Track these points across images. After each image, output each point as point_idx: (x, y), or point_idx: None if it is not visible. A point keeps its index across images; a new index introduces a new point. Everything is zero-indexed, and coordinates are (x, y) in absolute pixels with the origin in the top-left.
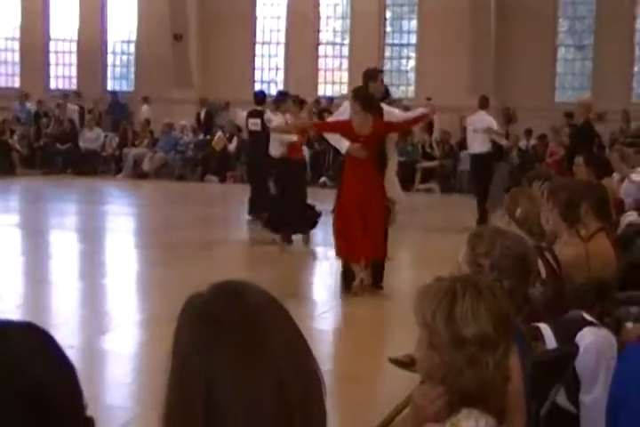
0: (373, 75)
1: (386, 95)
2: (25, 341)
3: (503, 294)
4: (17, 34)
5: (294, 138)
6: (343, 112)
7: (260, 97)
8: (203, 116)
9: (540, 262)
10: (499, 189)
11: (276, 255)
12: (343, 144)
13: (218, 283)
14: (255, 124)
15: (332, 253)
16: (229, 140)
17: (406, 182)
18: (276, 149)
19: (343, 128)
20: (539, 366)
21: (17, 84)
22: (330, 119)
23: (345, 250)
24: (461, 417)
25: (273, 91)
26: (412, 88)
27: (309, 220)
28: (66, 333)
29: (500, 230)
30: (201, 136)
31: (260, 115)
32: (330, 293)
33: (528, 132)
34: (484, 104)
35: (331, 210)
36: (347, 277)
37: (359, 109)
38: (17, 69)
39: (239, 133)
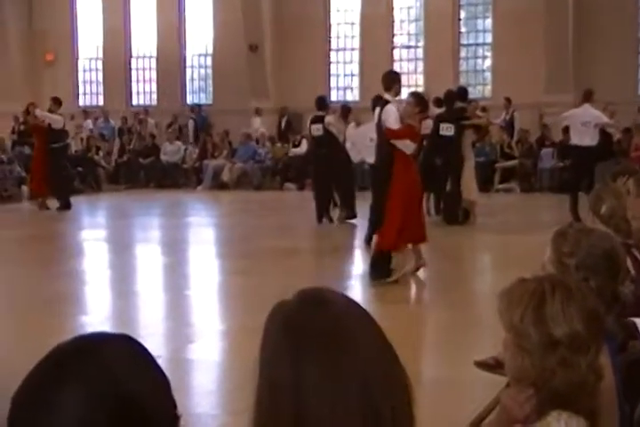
0: (398, 77)
1: (464, 96)
2: (122, 353)
3: (592, 293)
4: (100, 54)
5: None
6: (397, 118)
7: (322, 102)
8: (284, 124)
9: (628, 260)
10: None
11: (357, 262)
12: (410, 146)
13: (303, 290)
14: (317, 129)
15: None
16: (298, 144)
17: (485, 183)
18: (368, 155)
19: (412, 133)
20: (632, 365)
21: (101, 102)
22: (394, 126)
23: (404, 238)
24: (551, 419)
25: (349, 97)
26: (488, 88)
27: None
28: (153, 343)
29: (586, 228)
30: (279, 145)
31: (321, 120)
32: (411, 295)
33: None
34: (588, 97)
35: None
36: (381, 264)
37: (417, 112)
38: (100, 88)
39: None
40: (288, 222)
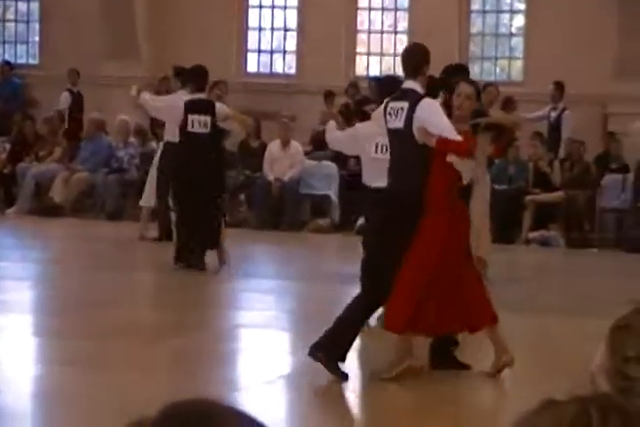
0: (428, 55)
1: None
2: None
3: None
4: None
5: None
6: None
7: (199, 75)
8: None
9: None
10: None
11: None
12: (470, 171)
13: (171, 405)
14: (203, 123)
15: None
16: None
17: (507, 228)
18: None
19: (472, 149)
20: None
21: None
22: (454, 136)
23: (424, 321)
24: None
25: (278, 67)
26: (518, 64)
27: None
28: None
29: None
30: (154, 143)
31: (208, 108)
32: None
33: None
34: None
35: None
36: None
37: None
38: None
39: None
40: (168, 277)
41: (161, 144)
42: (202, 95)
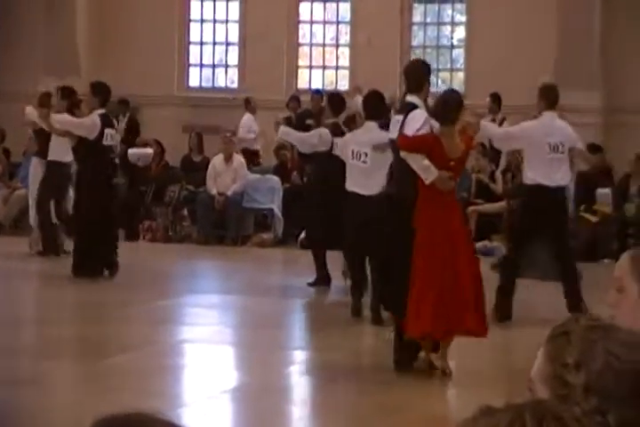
0: (430, 72)
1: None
2: None
3: None
4: None
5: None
6: (422, 127)
7: (109, 91)
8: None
9: None
10: None
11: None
12: (432, 171)
13: (105, 418)
14: (112, 136)
15: None
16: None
17: None
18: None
19: (433, 146)
20: None
21: None
22: (409, 132)
23: (431, 324)
24: None
25: (221, 81)
26: (460, 75)
27: None
28: None
29: (604, 326)
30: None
31: (112, 122)
32: None
33: None
34: (551, 100)
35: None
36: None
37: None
38: None
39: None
40: (106, 292)
41: (34, 161)
42: (102, 110)
